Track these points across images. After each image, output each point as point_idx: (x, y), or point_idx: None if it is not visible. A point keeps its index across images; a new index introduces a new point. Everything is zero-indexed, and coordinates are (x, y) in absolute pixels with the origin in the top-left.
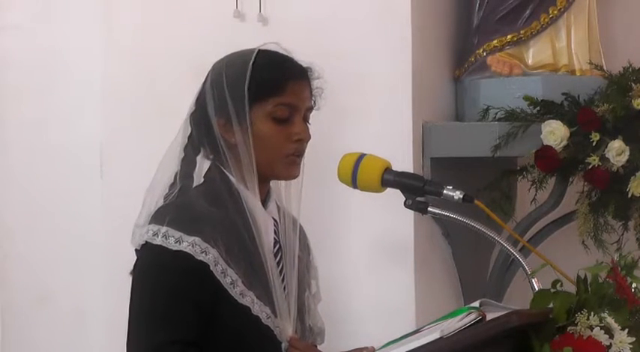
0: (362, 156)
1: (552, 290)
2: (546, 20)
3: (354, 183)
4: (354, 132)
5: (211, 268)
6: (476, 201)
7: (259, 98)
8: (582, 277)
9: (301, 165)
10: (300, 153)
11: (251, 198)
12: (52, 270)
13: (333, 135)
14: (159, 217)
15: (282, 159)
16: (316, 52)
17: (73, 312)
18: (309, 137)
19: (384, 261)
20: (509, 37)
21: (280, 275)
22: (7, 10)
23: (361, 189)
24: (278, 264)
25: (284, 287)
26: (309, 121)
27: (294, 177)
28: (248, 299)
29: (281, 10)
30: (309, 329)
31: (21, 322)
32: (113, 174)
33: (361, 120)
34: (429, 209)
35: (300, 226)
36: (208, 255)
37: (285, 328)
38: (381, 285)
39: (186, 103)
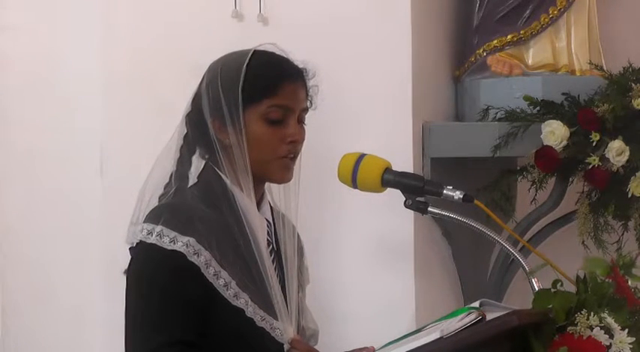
0: (362, 156)
1: (552, 290)
2: (546, 20)
3: (354, 183)
4: (354, 132)
5: (202, 271)
6: (476, 201)
7: (253, 99)
8: (582, 277)
9: (297, 167)
10: (294, 155)
11: (245, 199)
12: (52, 270)
13: (333, 136)
14: (154, 216)
15: (276, 162)
16: (316, 52)
17: (73, 312)
18: (303, 138)
19: (383, 261)
20: (509, 37)
21: (276, 276)
22: (7, 10)
23: (361, 189)
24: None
25: (282, 289)
26: (305, 122)
27: (287, 181)
28: (242, 301)
29: (281, 11)
30: (302, 331)
31: (21, 322)
32: (113, 174)
33: (361, 120)
34: (429, 209)
35: (293, 227)
36: (200, 257)
37: (286, 329)
38: (381, 285)
39: (185, 103)
